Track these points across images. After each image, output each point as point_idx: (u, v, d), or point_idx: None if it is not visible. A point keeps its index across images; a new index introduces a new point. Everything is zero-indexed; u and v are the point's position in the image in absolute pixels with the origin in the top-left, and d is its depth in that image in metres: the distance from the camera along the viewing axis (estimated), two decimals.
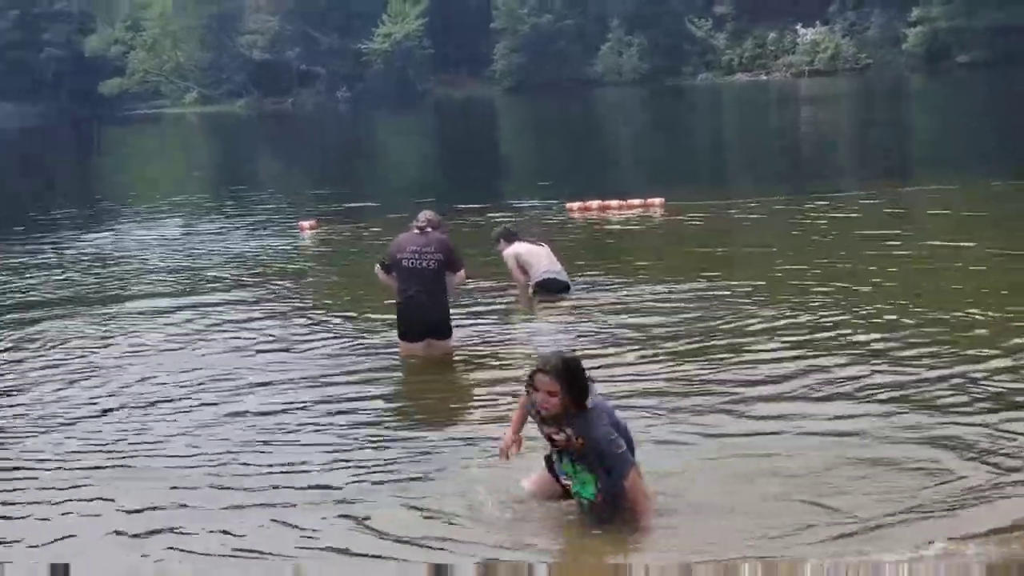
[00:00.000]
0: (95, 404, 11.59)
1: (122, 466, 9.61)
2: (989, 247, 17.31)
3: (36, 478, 9.43)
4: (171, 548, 7.90)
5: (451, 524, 8.02)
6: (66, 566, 7.54)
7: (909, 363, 11.23)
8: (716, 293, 14.94)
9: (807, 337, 12.48)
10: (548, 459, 8.07)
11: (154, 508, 8.57)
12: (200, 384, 12.12)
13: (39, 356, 13.86)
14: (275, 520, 8.23)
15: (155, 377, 12.51)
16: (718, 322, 13.44)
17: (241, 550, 7.80)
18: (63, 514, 8.61)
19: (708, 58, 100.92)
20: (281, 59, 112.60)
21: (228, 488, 8.93)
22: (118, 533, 8.20)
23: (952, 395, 10.18)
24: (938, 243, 18.00)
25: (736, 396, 10.59)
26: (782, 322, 13.18)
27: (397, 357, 12.77)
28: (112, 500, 8.76)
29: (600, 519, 7.79)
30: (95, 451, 10.02)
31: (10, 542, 8.15)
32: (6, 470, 9.67)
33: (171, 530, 8.17)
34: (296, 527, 8.12)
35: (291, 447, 9.89)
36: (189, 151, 67.38)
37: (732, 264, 17.53)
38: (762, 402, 10.37)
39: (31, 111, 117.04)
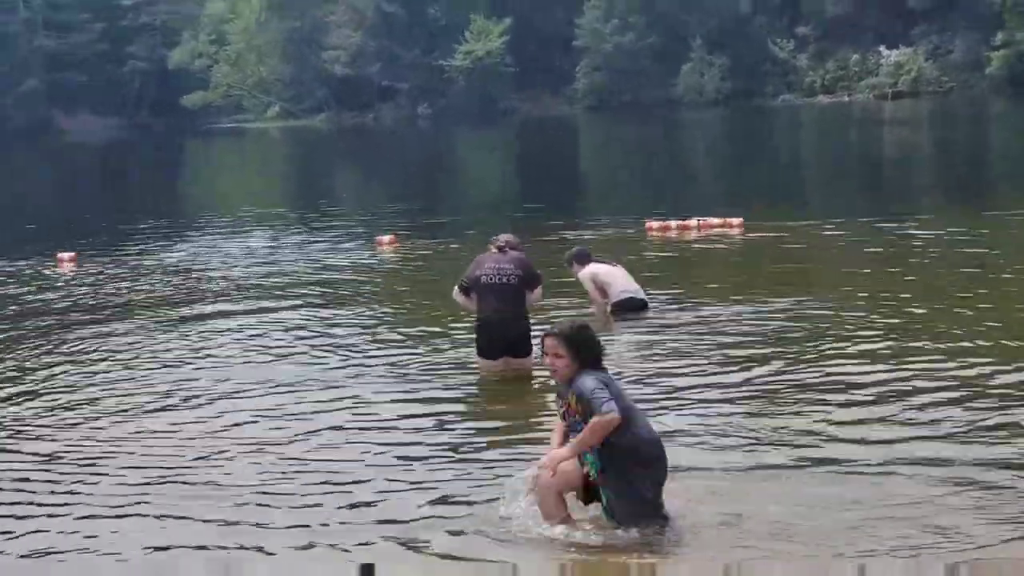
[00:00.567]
0: (166, 412, 11.66)
1: (194, 480, 9.66)
2: None
3: (97, 483, 9.52)
4: (243, 547, 7.93)
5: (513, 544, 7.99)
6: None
7: (991, 388, 11.07)
8: (796, 312, 14.84)
9: (889, 359, 12.29)
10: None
11: (229, 523, 8.59)
12: (270, 396, 12.13)
13: (112, 362, 13.99)
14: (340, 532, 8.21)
15: (226, 388, 12.55)
16: (797, 341, 13.32)
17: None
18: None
19: (790, 79, 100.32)
20: (363, 74, 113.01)
21: (286, 504, 8.92)
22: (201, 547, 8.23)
23: None
24: (1020, 267, 17.77)
25: (821, 415, 10.48)
26: (862, 344, 13.01)
27: (474, 374, 12.74)
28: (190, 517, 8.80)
29: (608, 499, 7.87)
30: (166, 455, 10.08)
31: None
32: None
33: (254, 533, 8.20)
34: (339, 545, 8.12)
35: (355, 463, 9.83)
36: (271, 165, 67.81)
37: (811, 284, 17.34)
38: (850, 425, 10.22)
39: (115, 123, 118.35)
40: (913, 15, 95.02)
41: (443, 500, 8.86)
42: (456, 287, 13.12)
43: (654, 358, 12.90)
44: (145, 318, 17.02)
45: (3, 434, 11.20)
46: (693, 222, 23.62)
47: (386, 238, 24.09)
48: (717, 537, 7.88)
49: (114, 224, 31.57)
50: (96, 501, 9.16)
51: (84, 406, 12.13)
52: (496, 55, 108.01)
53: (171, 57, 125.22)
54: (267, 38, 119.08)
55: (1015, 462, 9.07)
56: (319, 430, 10.89)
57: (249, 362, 13.85)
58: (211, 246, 25.86)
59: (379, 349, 14.24)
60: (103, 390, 12.73)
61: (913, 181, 36.15)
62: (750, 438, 9.94)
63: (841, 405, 10.81)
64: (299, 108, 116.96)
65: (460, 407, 11.81)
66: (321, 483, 9.36)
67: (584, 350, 7.88)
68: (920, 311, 14.73)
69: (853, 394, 11.14)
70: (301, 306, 17.49)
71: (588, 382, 7.76)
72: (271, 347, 14.56)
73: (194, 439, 10.74)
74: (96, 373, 13.59)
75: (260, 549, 8.10)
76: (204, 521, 8.61)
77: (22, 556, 8.19)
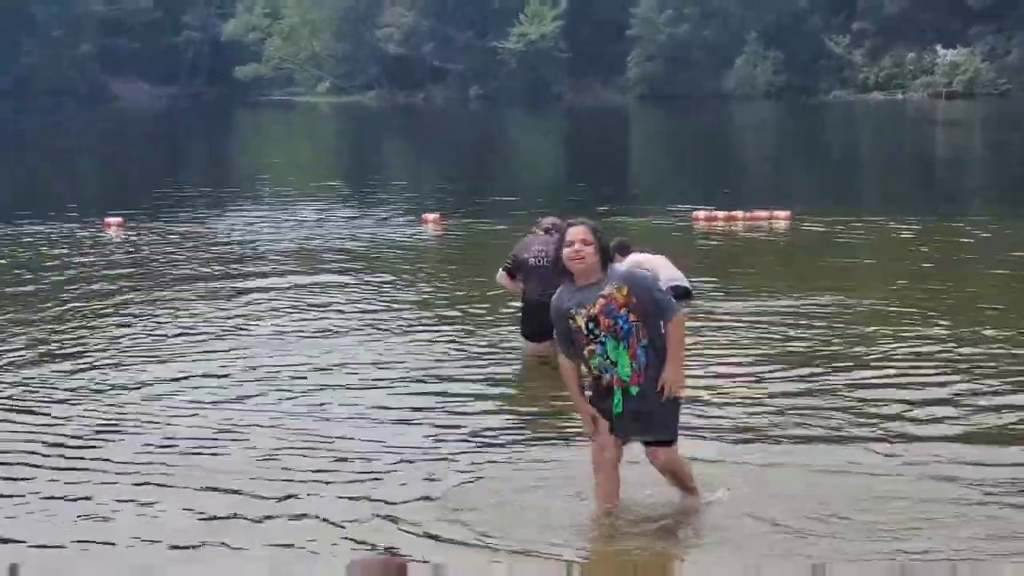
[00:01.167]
0: (204, 387, 11.59)
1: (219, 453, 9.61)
2: None
3: (132, 463, 9.46)
4: (292, 518, 7.87)
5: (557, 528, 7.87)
6: None
7: None
8: (839, 307, 14.73)
9: (937, 359, 12.14)
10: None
11: (279, 498, 8.54)
12: (311, 373, 12.05)
13: (153, 329, 13.99)
14: (377, 515, 8.11)
15: (266, 362, 12.47)
16: (840, 335, 13.20)
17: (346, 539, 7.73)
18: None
19: (844, 75, 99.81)
20: (415, 54, 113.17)
21: (328, 479, 8.83)
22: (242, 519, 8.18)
23: None
24: None
25: (863, 411, 10.32)
26: (907, 344, 12.84)
27: (518, 358, 12.64)
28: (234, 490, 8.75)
29: (639, 404, 7.62)
30: (204, 428, 10.05)
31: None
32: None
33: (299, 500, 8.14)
34: (394, 519, 8.01)
35: (396, 444, 9.69)
36: (321, 139, 67.94)
37: (856, 279, 17.23)
38: (888, 420, 10.05)
39: (167, 92, 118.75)
40: (971, 14, 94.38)
41: (478, 484, 8.72)
42: (501, 269, 13.02)
43: (696, 347, 12.77)
44: (187, 285, 17.02)
45: (33, 397, 11.15)
46: (740, 213, 23.55)
47: (432, 216, 24.04)
48: (751, 532, 7.74)
49: (163, 191, 31.59)
50: (115, 469, 9.09)
51: (109, 370, 12.10)
52: (549, 39, 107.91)
53: (225, 28, 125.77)
54: (321, 14, 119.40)
55: None
56: (356, 403, 10.82)
57: (282, 335, 13.78)
58: (258, 217, 25.86)
59: (422, 326, 14.20)
60: (130, 357, 12.68)
61: (966, 183, 35.88)
62: (793, 436, 9.76)
63: (887, 403, 10.63)
64: (350, 84, 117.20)
65: (501, 389, 11.68)
66: (344, 460, 9.26)
67: (605, 240, 7.78)
68: (969, 313, 14.55)
69: (900, 394, 10.95)
70: (341, 282, 17.42)
71: (645, 274, 7.80)
72: (308, 321, 14.53)
73: (223, 411, 10.64)
74: (121, 339, 13.57)
75: (297, 518, 8.04)
76: (233, 492, 8.54)
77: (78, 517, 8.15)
